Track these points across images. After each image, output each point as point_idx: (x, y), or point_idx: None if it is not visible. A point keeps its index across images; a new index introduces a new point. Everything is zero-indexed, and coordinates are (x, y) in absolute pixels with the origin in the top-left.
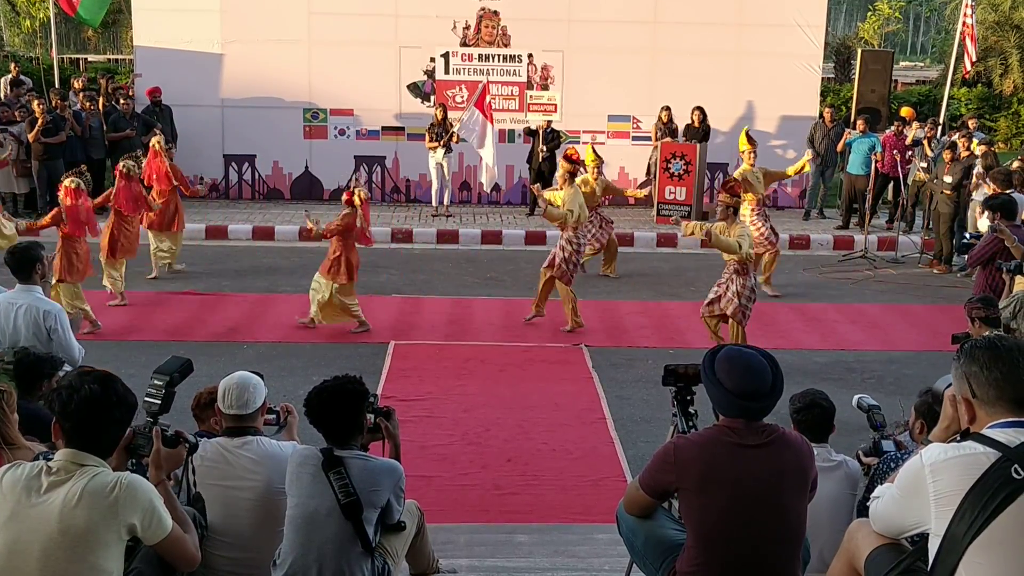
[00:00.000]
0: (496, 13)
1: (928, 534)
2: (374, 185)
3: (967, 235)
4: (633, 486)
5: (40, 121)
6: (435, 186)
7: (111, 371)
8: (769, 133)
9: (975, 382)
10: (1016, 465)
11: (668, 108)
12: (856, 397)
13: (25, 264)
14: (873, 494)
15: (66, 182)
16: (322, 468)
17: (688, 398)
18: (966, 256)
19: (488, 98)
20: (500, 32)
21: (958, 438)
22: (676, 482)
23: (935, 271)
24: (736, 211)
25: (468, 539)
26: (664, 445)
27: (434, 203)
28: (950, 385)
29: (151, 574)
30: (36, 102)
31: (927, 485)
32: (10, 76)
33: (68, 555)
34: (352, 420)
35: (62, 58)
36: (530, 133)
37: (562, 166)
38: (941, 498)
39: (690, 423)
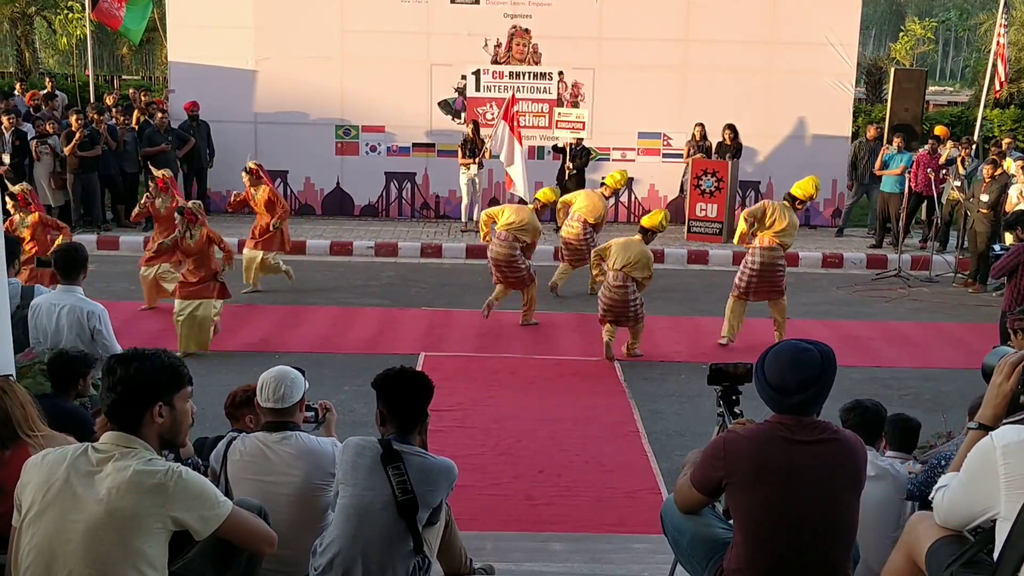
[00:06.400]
0: (527, 31)
1: (993, 524)
2: (404, 201)
3: (996, 247)
4: (684, 483)
5: (77, 136)
6: (465, 202)
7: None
8: (801, 152)
9: None
10: None
11: (702, 125)
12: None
13: (75, 264)
14: (937, 484)
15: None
16: (380, 461)
17: (734, 397)
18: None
19: (514, 108)
20: (531, 50)
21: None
22: (726, 477)
23: (969, 291)
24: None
25: (503, 546)
26: (714, 439)
27: (463, 219)
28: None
29: (206, 567)
30: (74, 116)
31: (998, 467)
32: (45, 91)
33: (113, 537)
34: (421, 408)
35: (96, 76)
36: (558, 150)
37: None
38: (1013, 481)
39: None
